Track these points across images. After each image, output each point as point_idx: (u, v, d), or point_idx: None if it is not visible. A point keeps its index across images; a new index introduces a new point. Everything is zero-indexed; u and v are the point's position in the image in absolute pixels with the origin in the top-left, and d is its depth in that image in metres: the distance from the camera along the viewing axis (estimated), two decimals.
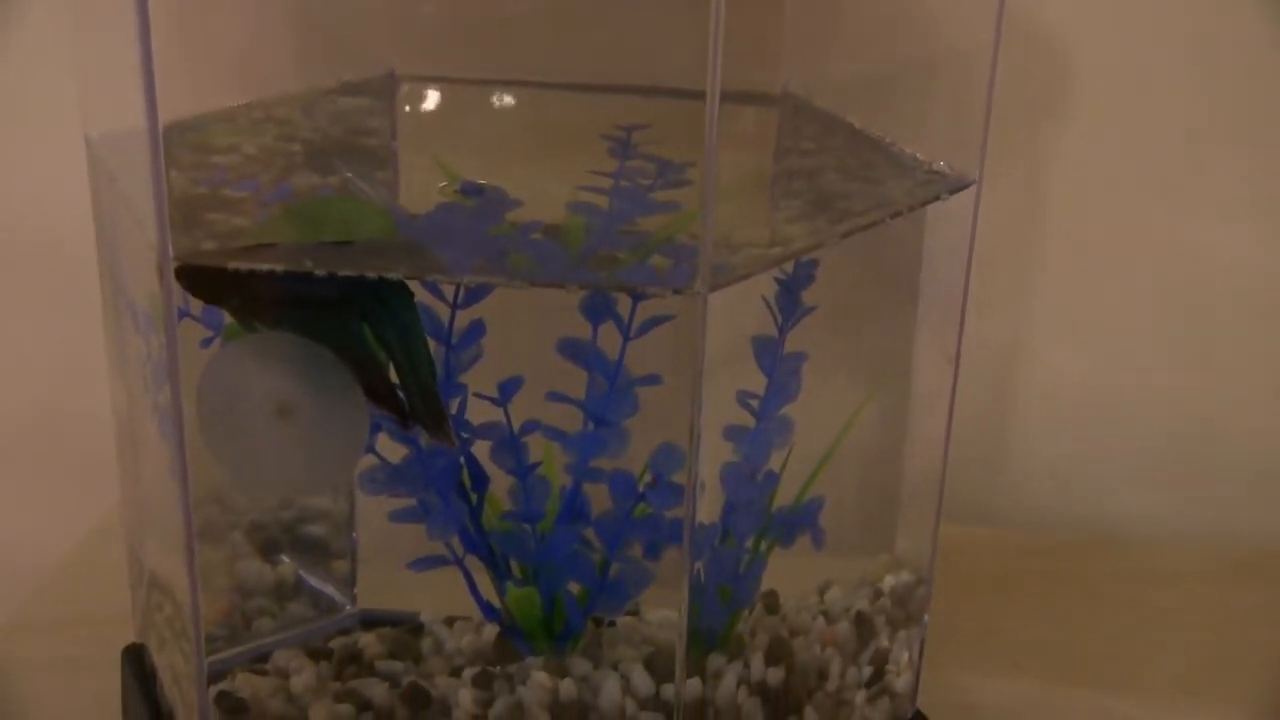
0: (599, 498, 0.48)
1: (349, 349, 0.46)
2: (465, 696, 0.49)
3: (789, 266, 0.47)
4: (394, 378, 0.47)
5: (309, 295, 0.45)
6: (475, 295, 0.47)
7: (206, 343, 0.46)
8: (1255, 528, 0.73)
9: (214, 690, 0.49)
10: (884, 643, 0.53)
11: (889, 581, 0.54)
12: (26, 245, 0.72)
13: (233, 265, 0.43)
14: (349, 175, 0.50)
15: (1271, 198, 0.69)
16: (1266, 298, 0.70)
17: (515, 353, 0.49)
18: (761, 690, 0.49)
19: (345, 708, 0.50)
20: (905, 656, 0.54)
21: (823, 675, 0.51)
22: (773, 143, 0.53)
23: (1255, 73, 0.67)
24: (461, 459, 0.49)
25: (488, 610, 0.51)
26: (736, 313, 0.45)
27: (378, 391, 0.47)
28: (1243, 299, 0.71)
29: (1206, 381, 0.72)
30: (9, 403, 0.75)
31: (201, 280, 0.44)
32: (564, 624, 0.50)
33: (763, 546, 0.50)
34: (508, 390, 0.48)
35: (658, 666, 0.49)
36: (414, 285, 0.46)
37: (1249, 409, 0.73)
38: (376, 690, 0.50)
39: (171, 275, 0.43)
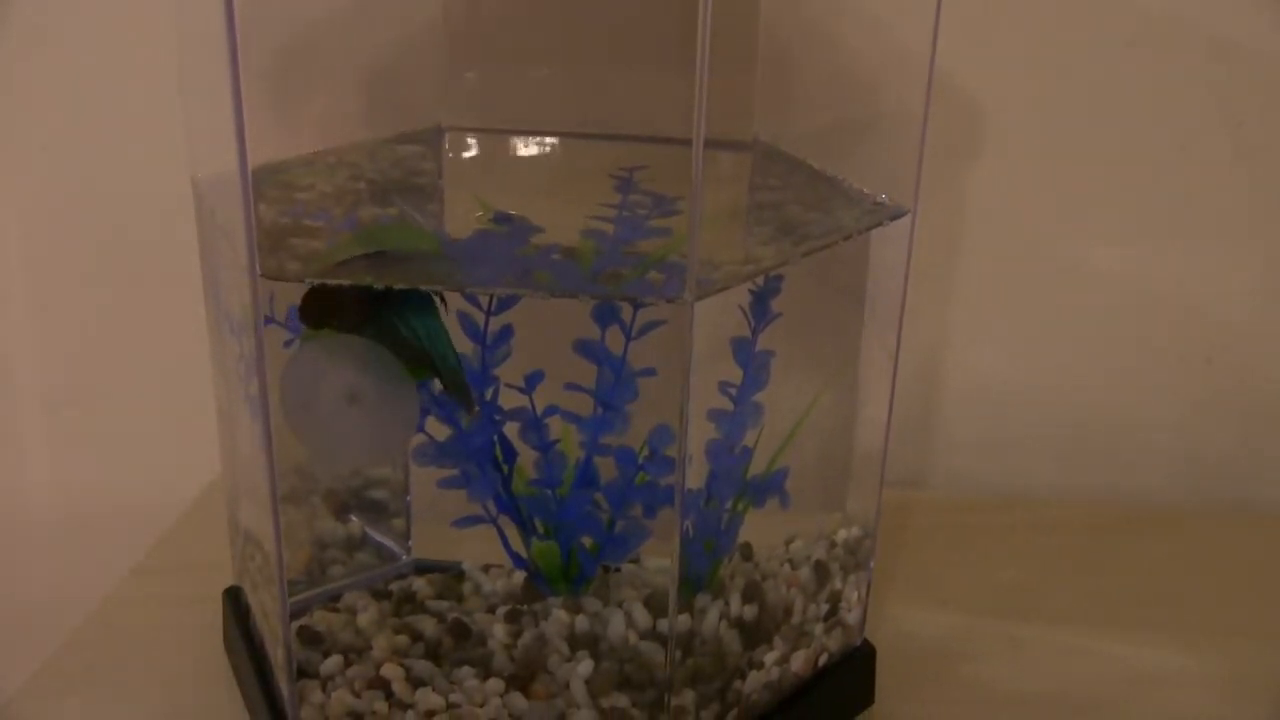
0: (606, 468, 0.48)
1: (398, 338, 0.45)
2: (499, 630, 0.49)
3: (760, 280, 0.47)
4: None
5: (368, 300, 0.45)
6: (506, 304, 0.47)
7: (287, 344, 0.46)
8: (1131, 489, 0.73)
9: (296, 624, 0.49)
10: (838, 585, 0.53)
11: (842, 535, 0.53)
12: (152, 268, 0.71)
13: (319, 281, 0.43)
14: (405, 208, 0.50)
15: (1148, 223, 0.69)
16: (1144, 305, 0.70)
17: (538, 351, 0.48)
18: (739, 624, 0.49)
19: (401, 638, 0.50)
20: (855, 596, 0.53)
21: (788, 611, 0.51)
22: (747, 180, 0.53)
23: (1138, 121, 0.67)
24: (495, 437, 0.49)
25: (517, 559, 0.50)
26: (718, 318, 0.45)
27: (422, 364, 0.46)
28: (1125, 306, 0.71)
29: (1095, 374, 0.72)
30: (132, 391, 0.74)
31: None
32: (579, 570, 0.50)
33: (739, 507, 0.49)
34: (532, 381, 0.48)
35: (655, 605, 0.48)
36: (455, 296, 0.46)
37: (1129, 396, 0.72)
38: (427, 624, 0.50)
39: (259, 288, 0.42)
